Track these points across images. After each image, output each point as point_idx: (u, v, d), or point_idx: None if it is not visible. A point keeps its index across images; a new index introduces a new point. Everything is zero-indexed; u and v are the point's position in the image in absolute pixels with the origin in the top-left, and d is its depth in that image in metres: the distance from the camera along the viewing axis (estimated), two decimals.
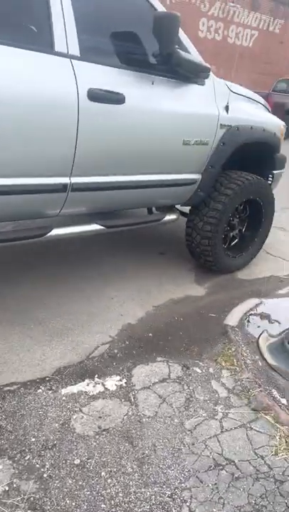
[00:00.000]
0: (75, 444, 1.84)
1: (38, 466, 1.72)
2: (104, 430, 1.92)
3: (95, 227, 2.73)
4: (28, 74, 2.11)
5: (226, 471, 1.78)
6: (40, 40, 2.19)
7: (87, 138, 2.34)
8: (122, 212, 3.57)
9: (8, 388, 2.10)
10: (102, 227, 2.76)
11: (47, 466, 1.72)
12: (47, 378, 2.20)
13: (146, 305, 3.01)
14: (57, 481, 1.67)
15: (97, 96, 2.31)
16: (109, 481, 1.69)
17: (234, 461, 1.82)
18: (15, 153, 2.13)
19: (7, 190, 2.18)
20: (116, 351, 2.47)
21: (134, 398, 2.11)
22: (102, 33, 2.52)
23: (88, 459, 1.78)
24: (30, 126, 2.12)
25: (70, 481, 1.67)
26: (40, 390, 2.11)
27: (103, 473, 1.72)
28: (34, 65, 2.13)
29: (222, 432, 1.97)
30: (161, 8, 2.64)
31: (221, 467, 1.79)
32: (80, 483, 1.67)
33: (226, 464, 1.81)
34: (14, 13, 2.18)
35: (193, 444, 1.89)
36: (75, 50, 2.24)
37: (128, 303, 3.00)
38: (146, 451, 1.84)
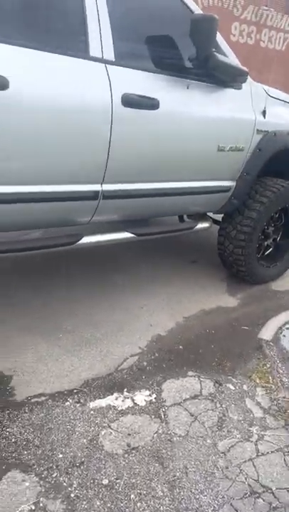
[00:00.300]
0: (104, 462, 1.76)
1: (65, 484, 1.66)
2: (133, 449, 1.84)
3: (125, 235, 2.67)
4: (63, 79, 2.07)
5: (263, 500, 1.67)
6: (75, 44, 2.15)
7: (120, 144, 2.28)
8: (153, 219, 3.50)
9: (36, 400, 2.05)
10: (133, 236, 2.69)
11: (74, 486, 1.65)
12: (75, 390, 2.14)
13: (177, 315, 2.92)
14: (84, 502, 1.60)
15: (131, 101, 2.25)
16: (138, 504, 1.61)
17: (271, 489, 1.71)
18: (47, 160, 2.09)
19: (39, 198, 2.14)
20: (145, 364, 2.39)
21: (164, 415, 2.02)
22: (138, 36, 2.46)
23: (117, 479, 1.70)
24: (63, 133, 2.08)
25: (98, 503, 1.60)
26: (68, 403, 2.05)
27: (132, 496, 1.64)
28: (69, 70, 2.09)
29: (258, 455, 1.86)
30: (198, 10, 2.56)
31: (257, 495, 1.68)
32: (109, 505, 1.60)
33: (263, 491, 1.70)
34: (49, 18, 2.15)
35: (227, 468, 1.79)
36: (109, 54, 2.19)
37: (158, 313, 2.92)
38: (178, 474, 1.75)
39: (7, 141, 1.95)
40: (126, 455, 1.81)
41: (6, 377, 2.19)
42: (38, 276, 3.17)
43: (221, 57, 2.47)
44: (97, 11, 2.14)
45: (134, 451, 1.83)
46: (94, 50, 2.15)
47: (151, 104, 2.33)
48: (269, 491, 1.70)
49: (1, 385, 2.13)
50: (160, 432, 1.93)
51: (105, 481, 1.68)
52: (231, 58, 2.69)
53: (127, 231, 2.67)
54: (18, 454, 1.75)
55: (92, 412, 2.01)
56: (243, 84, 2.81)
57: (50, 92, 2.01)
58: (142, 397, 2.12)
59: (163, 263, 3.59)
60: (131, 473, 1.73)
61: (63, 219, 2.40)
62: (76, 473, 1.71)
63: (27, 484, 1.63)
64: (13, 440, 1.81)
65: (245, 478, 1.74)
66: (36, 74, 1.98)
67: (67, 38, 2.15)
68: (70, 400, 2.07)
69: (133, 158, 2.40)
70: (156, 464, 1.78)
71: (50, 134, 2.04)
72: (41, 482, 1.65)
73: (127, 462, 1.77)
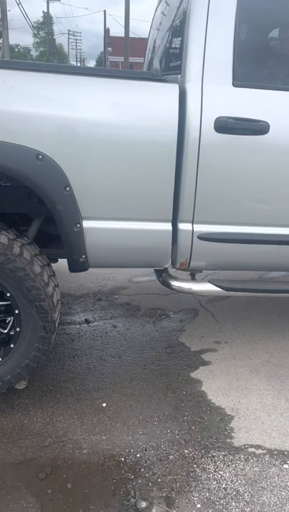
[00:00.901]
0: None
1: None
2: None
3: None
4: None
5: None
6: None
7: None
8: None
9: (253, 450, 1.95)
10: None
11: None
12: None
13: None
14: None
15: None
16: None
17: None
18: None
19: (285, 240, 2.07)
20: None
21: None
22: None
23: None
24: None
25: None
26: (286, 466, 1.86)
27: None
28: None
29: None
30: None
31: None
32: None
33: None
34: None
35: None
36: None
37: None
38: None
39: (264, 183, 1.97)
40: None
41: (228, 416, 2.16)
42: (270, 319, 3.05)
43: None
44: None
45: None
46: None
47: None
48: None
49: (221, 423, 2.11)
50: None
51: None
52: None
53: None
54: (225, 503, 1.68)
55: None
56: None
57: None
58: None
59: None
60: None
61: None
62: None
63: None
64: (223, 486, 1.76)
65: None
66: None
67: None
68: None
69: None
70: None
71: None
72: None
73: None
